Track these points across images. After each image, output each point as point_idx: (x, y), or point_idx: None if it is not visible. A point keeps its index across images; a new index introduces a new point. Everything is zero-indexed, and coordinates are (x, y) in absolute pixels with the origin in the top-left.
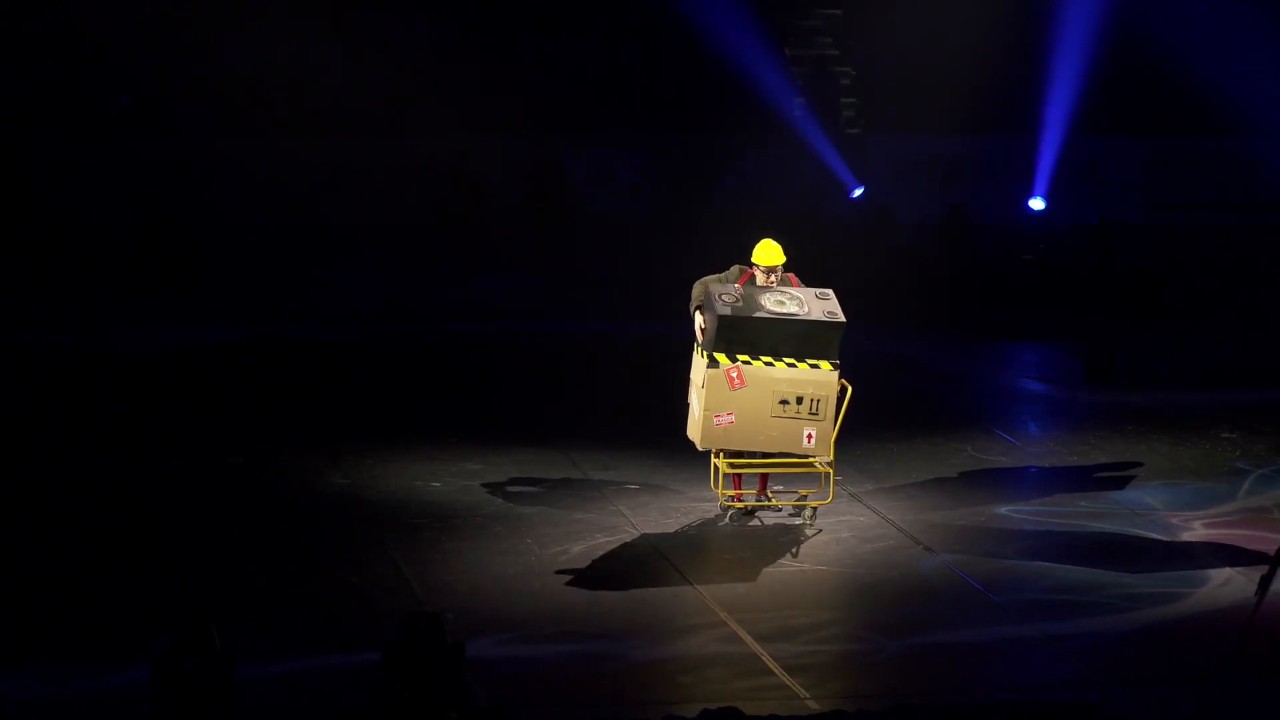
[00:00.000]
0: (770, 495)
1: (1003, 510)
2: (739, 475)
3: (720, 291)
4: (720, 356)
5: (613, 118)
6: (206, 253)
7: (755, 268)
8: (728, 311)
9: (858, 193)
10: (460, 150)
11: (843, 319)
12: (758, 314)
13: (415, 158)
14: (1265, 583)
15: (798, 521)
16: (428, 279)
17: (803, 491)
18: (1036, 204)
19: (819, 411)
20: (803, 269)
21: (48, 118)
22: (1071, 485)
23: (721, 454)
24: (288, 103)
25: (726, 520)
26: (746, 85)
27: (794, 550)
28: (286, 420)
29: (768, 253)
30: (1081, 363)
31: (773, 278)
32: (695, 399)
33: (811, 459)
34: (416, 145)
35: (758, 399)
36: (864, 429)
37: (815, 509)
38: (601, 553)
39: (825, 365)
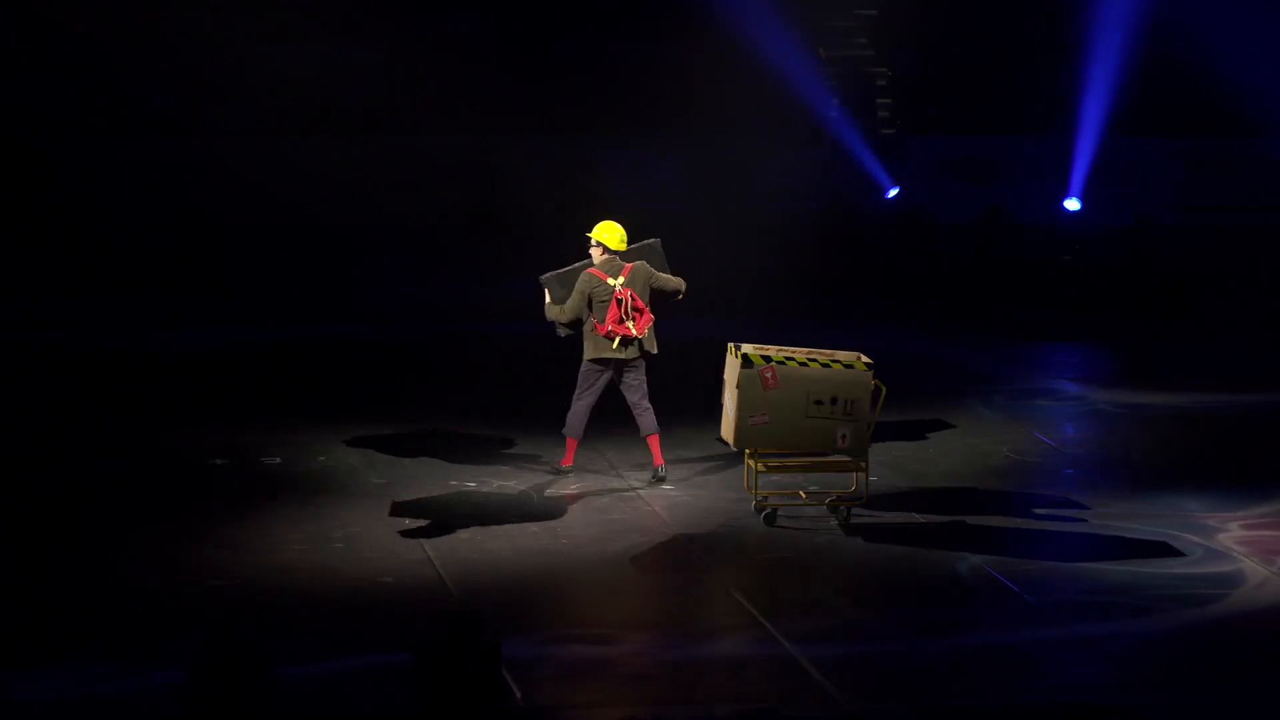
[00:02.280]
0: (804, 495)
1: (1039, 512)
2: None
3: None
4: (754, 356)
5: (648, 119)
6: (237, 252)
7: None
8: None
9: (893, 193)
10: (494, 151)
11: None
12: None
13: (448, 158)
14: None
15: (832, 522)
16: (461, 279)
17: (837, 492)
18: (1072, 204)
19: (853, 412)
20: (837, 268)
21: (79, 117)
22: (1108, 487)
23: (756, 454)
24: (320, 103)
25: (761, 521)
26: (782, 86)
27: (829, 551)
28: (320, 420)
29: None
30: (1118, 363)
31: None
32: (730, 399)
33: (846, 459)
34: (450, 146)
35: (792, 399)
36: (899, 429)
37: (850, 509)
38: (637, 553)
39: (859, 365)
